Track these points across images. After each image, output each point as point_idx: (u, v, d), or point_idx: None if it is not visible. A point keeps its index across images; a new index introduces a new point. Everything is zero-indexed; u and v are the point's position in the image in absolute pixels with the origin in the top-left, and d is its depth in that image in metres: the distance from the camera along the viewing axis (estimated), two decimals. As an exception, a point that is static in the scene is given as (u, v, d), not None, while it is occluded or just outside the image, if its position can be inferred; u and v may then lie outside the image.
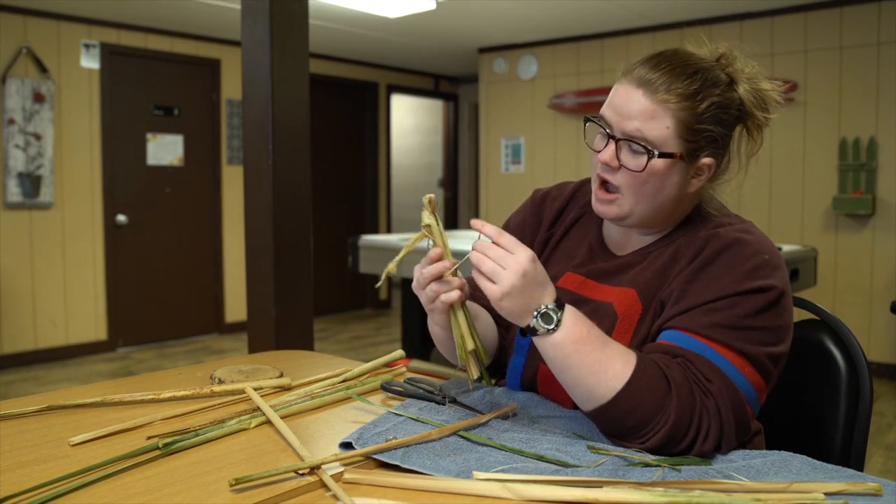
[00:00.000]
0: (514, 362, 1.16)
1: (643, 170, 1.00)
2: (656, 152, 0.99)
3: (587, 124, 1.09)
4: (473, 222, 0.94)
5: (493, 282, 0.91)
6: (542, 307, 0.92)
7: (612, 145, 1.03)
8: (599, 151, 1.04)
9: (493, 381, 1.21)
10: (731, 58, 1.07)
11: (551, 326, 0.92)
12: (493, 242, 0.93)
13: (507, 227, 1.26)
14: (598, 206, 1.08)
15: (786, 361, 1.03)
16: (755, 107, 1.06)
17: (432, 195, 1.01)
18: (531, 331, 0.93)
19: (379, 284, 1.11)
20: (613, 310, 1.06)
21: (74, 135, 5.09)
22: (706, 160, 1.04)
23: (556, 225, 1.23)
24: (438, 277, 0.98)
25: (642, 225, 1.10)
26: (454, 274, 1.00)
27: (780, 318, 0.98)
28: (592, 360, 0.92)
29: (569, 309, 0.94)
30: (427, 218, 1.00)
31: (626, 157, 1.02)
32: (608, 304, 1.07)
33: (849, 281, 4.76)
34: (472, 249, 0.93)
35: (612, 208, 1.06)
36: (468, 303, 1.06)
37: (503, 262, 0.91)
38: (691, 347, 0.95)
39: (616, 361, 0.92)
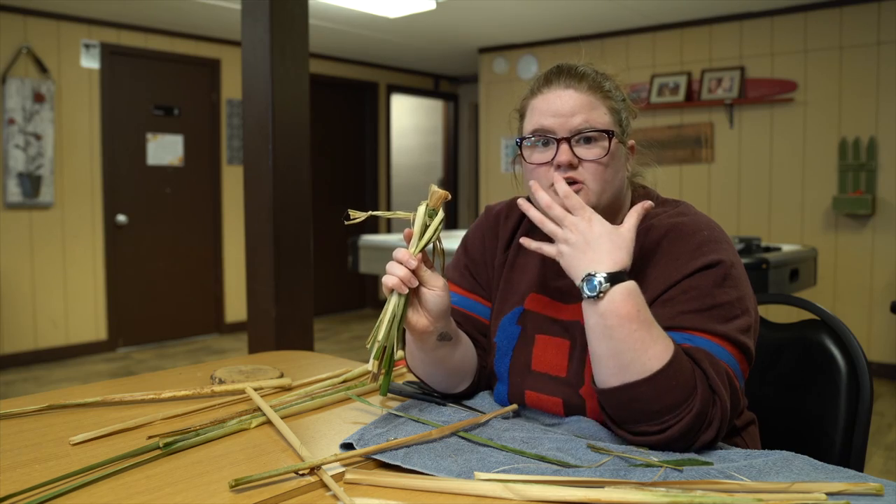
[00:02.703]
0: (498, 389, 1.15)
1: (606, 153, 1.03)
2: (612, 132, 1.04)
3: (528, 142, 1.07)
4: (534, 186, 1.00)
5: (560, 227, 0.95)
6: (593, 274, 0.92)
7: (563, 146, 1.03)
8: (544, 163, 1.05)
9: (387, 393, 1.11)
10: (598, 66, 1.13)
11: (593, 294, 0.92)
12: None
13: (466, 244, 1.26)
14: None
15: (758, 331, 1.04)
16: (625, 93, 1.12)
17: (446, 193, 1.01)
18: (579, 292, 0.94)
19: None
20: (581, 326, 1.06)
21: (74, 135, 5.09)
22: (631, 141, 1.11)
23: (511, 244, 1.21)
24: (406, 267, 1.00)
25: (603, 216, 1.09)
26: (443, 274, 1.02)
27: (736, 290, 0.99)
28: (635, 337, 0.91)
29: (623, 285, 0.92)
30: (421, 208, 1.01)
31: (582, 152, 1.03)
32: (575, 322, 1.07)
33: (849, 281, 4.76)
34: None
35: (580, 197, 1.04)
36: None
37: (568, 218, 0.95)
38: (676, 340, 0.95)
39: (658, 343, 0.91)
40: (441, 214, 1.02)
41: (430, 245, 1.03)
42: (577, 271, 0.94)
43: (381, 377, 1.03)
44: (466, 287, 1.22)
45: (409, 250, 0.99)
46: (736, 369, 0.96)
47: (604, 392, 0.95)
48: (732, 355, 0.96)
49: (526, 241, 1.00)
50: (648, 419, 0.92)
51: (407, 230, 1.01)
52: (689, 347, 0.94)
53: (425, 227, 1.01)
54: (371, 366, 0.98)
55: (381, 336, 0.97)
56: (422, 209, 1.01)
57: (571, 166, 1.03)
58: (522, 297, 1.14)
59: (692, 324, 0.96)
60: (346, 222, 1.05)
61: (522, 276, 1.16)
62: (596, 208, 1.04)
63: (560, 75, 1.06)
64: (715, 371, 0.93)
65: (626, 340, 0.90)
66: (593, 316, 0.93)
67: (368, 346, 0.98)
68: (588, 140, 1.03)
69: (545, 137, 1.05)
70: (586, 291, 0.92)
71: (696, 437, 0.92)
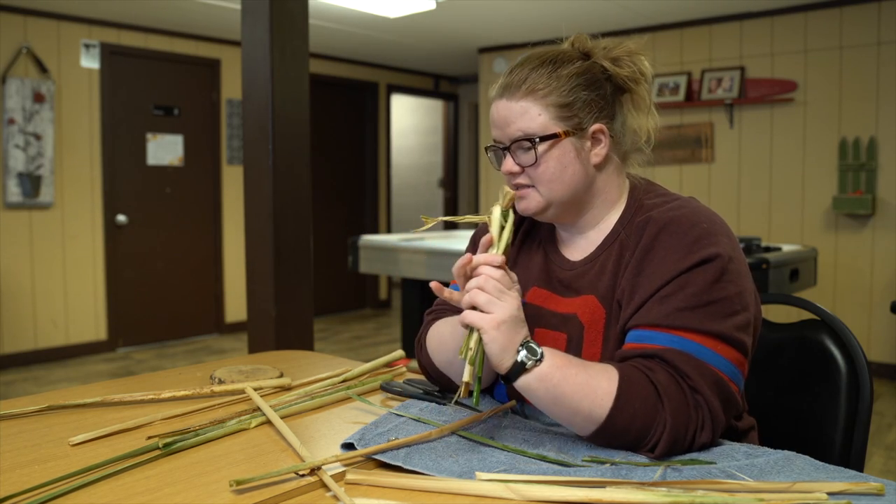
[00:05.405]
0: (498, 385, 1.16)
1: (536, 160, 1.05)
2: (537, 138, 1.04)
3: (489, 154, 1.13)
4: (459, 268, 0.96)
5: (488, 312, 0.92)
6: (524, 341, 0.92)
7: (508, 155, 1.08)
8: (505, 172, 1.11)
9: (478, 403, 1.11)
10: (582, 40, 1.12)
11: (537, 357, 0.91)
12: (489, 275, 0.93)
13: (475, 240, 1.27)
14: (519, 206, 1.11)
15: (760, 327, 1.04)
16: (615, 65, 1.09)
17: (515, 193, 1.03)
18: (517, 367, 0.92)
19: (422, 229, 1.11)
20: (578, 320, 1.07)
21: (74, 135, 5.09)
22: (595, 126, 1.07)
23: (514, 241, 1.22)
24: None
25: (569, 212, 1.11)
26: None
27: (734, 285, 0.98)
28: (580, 382, 0.91)
29: (543, 348, 0.93)
30: (497, 210, 1.01)
31: (521, 157, 1.07)
32: (573, 316, 1.07)
33: (849, 281, 4.76)
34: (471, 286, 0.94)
35: (529, 202, 1.08)
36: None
37: (500, 295, 0.92)
38: (661, 343, 0.95)
39: (601, 379, 0.92)
40: (512, 215, 1.02)
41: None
42: (501, 361, 0.92)
43: (475, 387, 0.97)
44: None
45: (493, 253, 0.98)
46: (729, 370, 0.95)
47: (587, 439, 0.96)
48: (725, 356, 0.95)
49: (435, 286, 1.00)
50: (634, 444, 0.93)
51: (486, 236, 1.00)
52: (668, 349, 0.94)
53: (501, 229, 1.00)
54: (467, 376, 0.93)
55: (472, 343, 0.93)
56: (497, 211, 1.01)
57: (513, 173, 1.08)
58: (524, 291, 1.14)
59: (686, 323, 0.95)
60: (414, 231, 1.07)
61: (526, 270, 1.17)
62: (549, 208, 1.08)
63: (501, 87, 1.09)
64: (699, 373, 0.92)
65: (574, 391, 0.91)
66: (539, 383, 0.92)
67: (462, 356, 0.94)
68: (525, 146, 1.06)
69: (496, 148, 1.10)
70: (530, 357, 0.92)
71: (690, 442, 0.92)
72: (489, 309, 0.92)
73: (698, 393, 0.92)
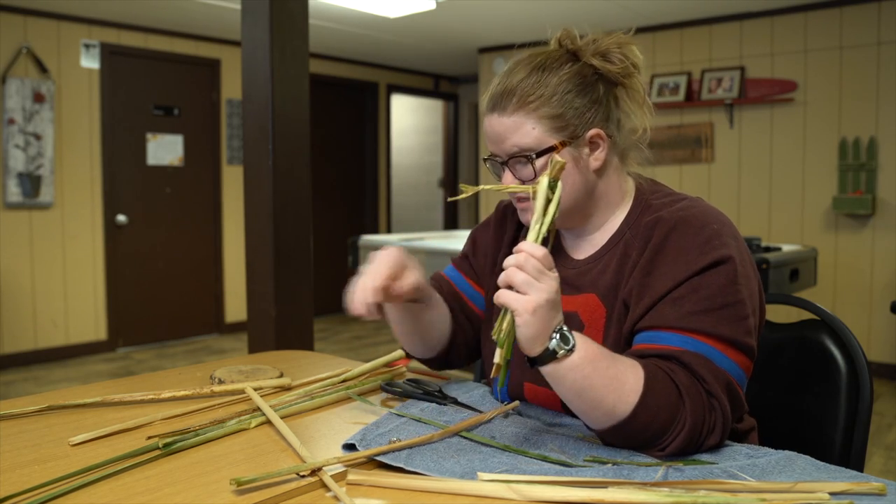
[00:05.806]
0: (497, 380, 1.15)
1: (534, 174, 1.03)
2: (533, 154, 1.03)
3: (488, 164, 1.12)
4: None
5: (524, 293, 0.86)
6: (559, 327, 0.88)
7: (506, 171, 1.07)
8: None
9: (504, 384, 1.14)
10: (569, 37, 1.11)
11: (569, 346, 0.87)
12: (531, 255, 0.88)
13: (475, 235, 1.28)
14: (522, 217, 1.11)
15: (763, 326, 1.04)
16: (606, 62, 1.07)
17: (565, 161, 0.94)
18: (548, 354, 0.88)
19: (456, 198, 1.11)
20: (579, 319, 1.06)
21: (74, 135, 5.09)
22: (592, 132, 1.05)
23: (516, 240, 1.23)
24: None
25: (573, 219, 1.10)
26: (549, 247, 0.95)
27: (745, 288, 0.98)
28: (609, 376, 0.89)
29: (575, 333, 0.90)
30: (544, 180, 0.93)
31: (520, 172, 1.06)
32: (573, 314, 1.07)
33: (849, 281, 4.76)
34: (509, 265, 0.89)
35: (529, 214, 1.05)
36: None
37: (539, 276, 0.87)
38: (675, 344, 0.94)
39: (628, 374, 0.90)
40: (560, 186, 0.95)
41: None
42: (531, 346, 0.88)
43: (502, 371, 0.93)
44: (464, 269, 1.28)
45: (534, 227, 0.92)
46: (738, 374, 0.96)
47: (598, 433, 0.95)
48: (735, 360, 0.95)
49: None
50: (647, 443, 0.92)
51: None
52: (685, 351, 0.93)
53: (547, 202, 0.93)
54: (498, 357, 0.89)
55: (505, 324, 0.89)
56: (544, 181, 0.93)
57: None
58: None
59: (699, 326, 0.94)
60: (449, 199, 1.08)
61: None
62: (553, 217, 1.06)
63: (491, 100, 1.07)
64: (714, 377, 0.93)
65: (602, 383, 0.88)
66: (569, 373, 0.88)
67: (494, 336, 0.90)
68: (523, 161, 1.04)
69: (493, 161, 1.09)
70: (563, 346, 0.87)
71: (700, 444, 0.92)
72: (526, 290, 0.86)
73: (714, 397, 0.92)
